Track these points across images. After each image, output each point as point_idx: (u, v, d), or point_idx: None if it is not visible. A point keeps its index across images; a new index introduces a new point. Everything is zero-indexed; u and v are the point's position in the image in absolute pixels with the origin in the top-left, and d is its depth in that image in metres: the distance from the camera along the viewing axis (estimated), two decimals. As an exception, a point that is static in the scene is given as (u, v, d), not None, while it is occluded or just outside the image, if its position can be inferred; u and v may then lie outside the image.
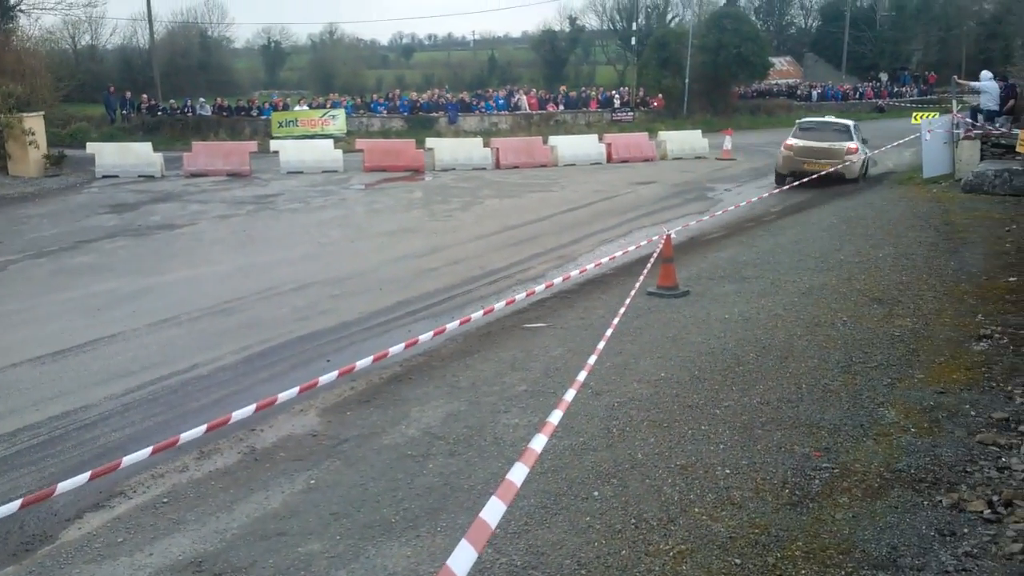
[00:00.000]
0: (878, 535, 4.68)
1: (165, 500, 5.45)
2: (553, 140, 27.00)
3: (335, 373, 5.30)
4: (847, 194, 18.14)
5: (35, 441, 6.36)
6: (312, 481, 5.65)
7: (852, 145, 18.91)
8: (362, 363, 5.55)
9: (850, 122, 20.23)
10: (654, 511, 5.03)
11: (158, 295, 10.57)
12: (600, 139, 27.26)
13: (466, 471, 5.67)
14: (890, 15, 60.14)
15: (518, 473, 3.52)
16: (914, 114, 30.83)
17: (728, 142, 27.36)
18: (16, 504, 3.44)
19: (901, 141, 21.59)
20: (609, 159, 26.17)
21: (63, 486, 3.69)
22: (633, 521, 4.93)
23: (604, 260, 10.69)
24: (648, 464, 5.64)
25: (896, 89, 52.11)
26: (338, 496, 5.42)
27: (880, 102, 48.44)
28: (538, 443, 3.91)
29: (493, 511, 3.10)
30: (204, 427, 4.52)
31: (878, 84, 52.06)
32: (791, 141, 19.37)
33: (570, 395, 4.82)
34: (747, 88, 46.16)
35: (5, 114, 21.90)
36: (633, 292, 8.06)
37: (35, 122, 22.49)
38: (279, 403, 5.17)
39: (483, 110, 36.92)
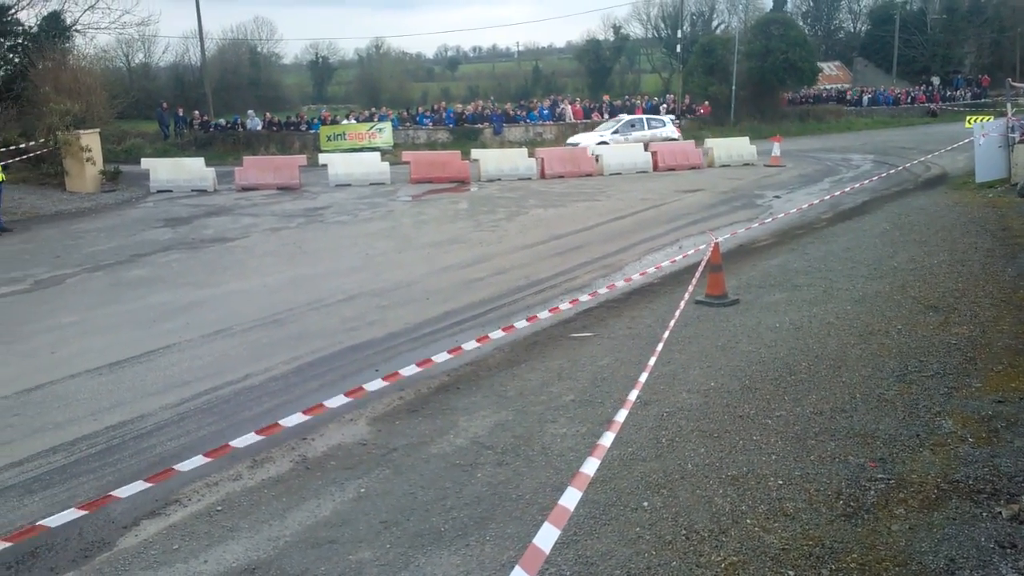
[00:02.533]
0: (935, 547, 4.57)
1: (219, 508, 5.53)
2: (598, 149, 26.95)
3: (381, 381, 5.34)
4: (899, 200, 17.79)
5: (93, 450, 6.51)
6: (362, 489, 5.69)
7: None
8: (407, 370, 5.58)
9: None
10: (705, 522, 4.97)
11: (211, 307, 10.77)
12: (646, 148, 27.13)
13: (514, 481, 5.67)
14: (941, 18, 58.93)
15: (570, 498, 3.52)
16: (967, 118, 30.16)
17: (777, 148, 27.03)
18: (74, 511, 3.52)
19: (954, 146, 21.13)
20: (655, 167, 26.02)
21: (119, 492, 3.77)
22: (683, 532, 4.88)
23: (651, 269, 10.65)
24: (698, 475, 5.58)
25: (949, 93, 51.05)
26: (388, 505, 5.45)
27: (932, 106, 47.49)
28: (590, 467, 3.91)
29: (546, 537, 3.12)
30: (254, 433, 4.58)
31: (930, 88, 51.02)
32: None
33: (622, 415, 4.80)
34: (795, 94, 45.61)
35: (62, 131, 22.54)
36: (682, 302, 7.99)
37: (91, 139, 23.10)
38: (329, 412, 5.23)
39: (528, 120, 37.03)
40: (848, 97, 48.22)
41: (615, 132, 30.07)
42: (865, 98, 47.45)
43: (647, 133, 29.70)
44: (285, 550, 4.98)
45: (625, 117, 32.24)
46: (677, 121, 38.34)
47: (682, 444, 6.07)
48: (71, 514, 3.56)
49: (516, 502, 5.39)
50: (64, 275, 13.00)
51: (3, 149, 23.19)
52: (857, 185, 17.98)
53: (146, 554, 4.99)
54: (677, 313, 7.63)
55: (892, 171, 20.69)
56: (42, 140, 22.91)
